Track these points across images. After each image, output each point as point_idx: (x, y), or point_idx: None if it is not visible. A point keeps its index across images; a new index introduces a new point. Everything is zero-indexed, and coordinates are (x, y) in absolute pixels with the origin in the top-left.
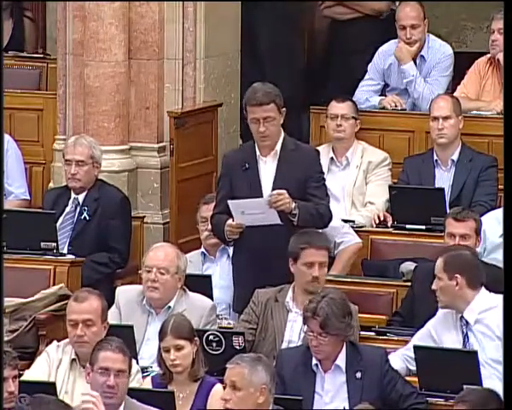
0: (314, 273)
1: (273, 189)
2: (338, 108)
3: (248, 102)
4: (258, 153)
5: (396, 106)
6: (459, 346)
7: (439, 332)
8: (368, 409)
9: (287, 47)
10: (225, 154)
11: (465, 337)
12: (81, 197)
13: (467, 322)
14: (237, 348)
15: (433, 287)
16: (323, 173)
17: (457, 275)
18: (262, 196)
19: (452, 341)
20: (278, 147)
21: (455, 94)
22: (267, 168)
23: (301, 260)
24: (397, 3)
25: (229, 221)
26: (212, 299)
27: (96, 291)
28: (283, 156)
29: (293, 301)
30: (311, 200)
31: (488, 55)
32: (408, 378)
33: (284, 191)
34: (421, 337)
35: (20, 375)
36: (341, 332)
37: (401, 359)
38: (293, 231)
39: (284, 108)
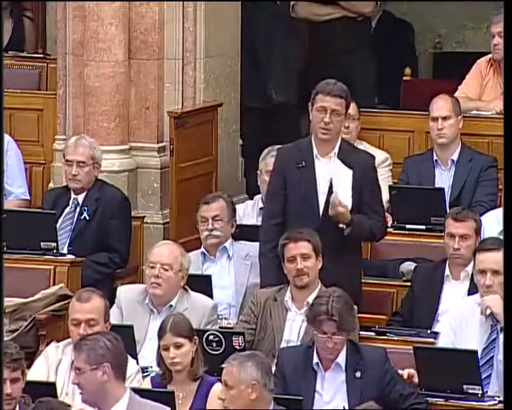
0: (297, 266)
1: (329, 191)
2: None
3: (322, 90)
4: (315, 152)
5: None
6: (481, 345)
7: (462, 326)
8: (371, 408)
9: (285, 47)
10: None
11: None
12: (81, 197)
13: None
14: (237, 348)
15: (489, 283)
16: (378, 181)
17: None
18: (317, 197)
19: (475, 337)
20: (336, 149)
21: (456, 94)
22: (324, 169)
23: (285, 258)
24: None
25: None
26: (212, 299)
27: (99, 291)
28: (341, 159)
29: (292, 301)
30: (368, 213)
31: (489, 56)
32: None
33: (348, 206)
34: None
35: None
36: (353, 326)
37: None
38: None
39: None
